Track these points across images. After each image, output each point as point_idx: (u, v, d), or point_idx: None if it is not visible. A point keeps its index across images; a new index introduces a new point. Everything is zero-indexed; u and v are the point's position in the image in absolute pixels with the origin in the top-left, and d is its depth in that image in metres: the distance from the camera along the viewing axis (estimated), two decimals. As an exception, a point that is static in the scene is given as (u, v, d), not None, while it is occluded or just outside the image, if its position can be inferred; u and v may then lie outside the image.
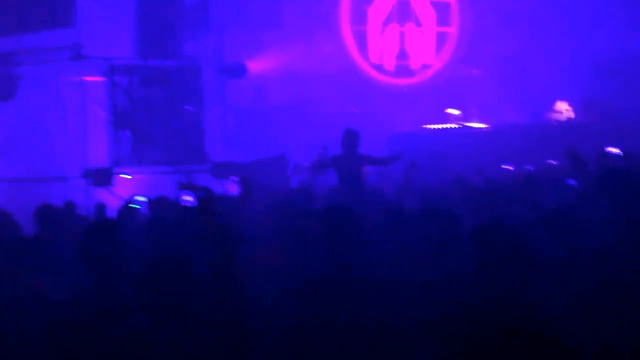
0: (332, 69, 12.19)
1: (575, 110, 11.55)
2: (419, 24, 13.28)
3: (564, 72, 12.64)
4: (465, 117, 11.61)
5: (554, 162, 8.98)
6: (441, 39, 13.41)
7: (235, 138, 11.68)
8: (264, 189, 7.30)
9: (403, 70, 13.22)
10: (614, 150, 8.01)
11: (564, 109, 11.41)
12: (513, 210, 4.64)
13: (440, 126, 11.36)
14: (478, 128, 11.35)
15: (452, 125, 11.33)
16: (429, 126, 11.46)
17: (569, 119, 11.42)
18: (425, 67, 13.33)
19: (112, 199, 8.95)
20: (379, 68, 13.12)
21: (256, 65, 11.60)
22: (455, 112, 11.54)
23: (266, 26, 12.03)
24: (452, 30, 13.41)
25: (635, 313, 2.86)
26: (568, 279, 3.21)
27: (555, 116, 11.49)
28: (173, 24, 11.00)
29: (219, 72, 11.49)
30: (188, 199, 3.50)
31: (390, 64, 13.16)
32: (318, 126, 11.38)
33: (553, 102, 11.85)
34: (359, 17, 12.94)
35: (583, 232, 3.67)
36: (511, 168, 9.26)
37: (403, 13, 13.16)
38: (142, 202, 6.54)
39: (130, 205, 6.37)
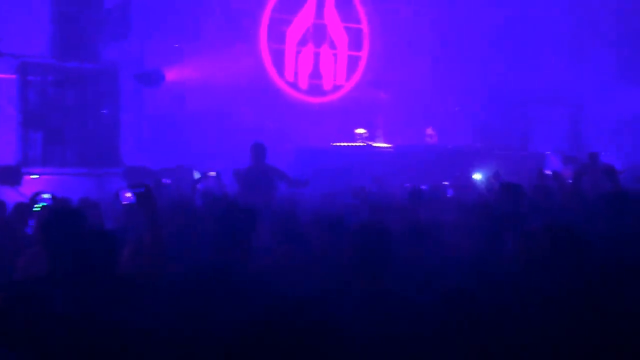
0: (248, 82, 12.61)
1: (438, 135, 12.68)
2: (333, 47, 14.00)
3: (461, 101, 13.81)
4: (371, 136, 12.30)
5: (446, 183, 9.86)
6: (352, 62, 14.18)
7: (150, 144, 11.88)
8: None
9: (316, 89, 13.89)
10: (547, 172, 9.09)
11: (432, 133, 12.58)
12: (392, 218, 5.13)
13: (347, 144, 11.95)
14: (382, 147, 12.05)
15: (358, 144, 11.95)
16: (336, 143, 12.04)
17: (434, 142, 12.56)
18: (336, 87, 14.05)
19: (18, 198, 8.92)
20: (293, 86, 13.70)
21: (175, 74, 11.85)
22: (362, 131, 12.19)
23: (186, 36, 12.33)
24: (363, 54, 14.22)
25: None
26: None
27: (427, 140, 12.58)
28: (91, 26, 11.13)
29: (136, 78, 11.65)
30: (128, 195, 3.77)
31: (304, 82, 13.77)
32: (233, 137, 11.78)
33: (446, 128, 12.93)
34: (277, 36, 13.47)
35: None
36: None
37: (319, 35, 13.85)
38: (47, 199, 6.48)
39: (35, 202, 6.28)
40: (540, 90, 13.94)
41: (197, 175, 7.37)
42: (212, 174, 7.59)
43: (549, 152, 13.49)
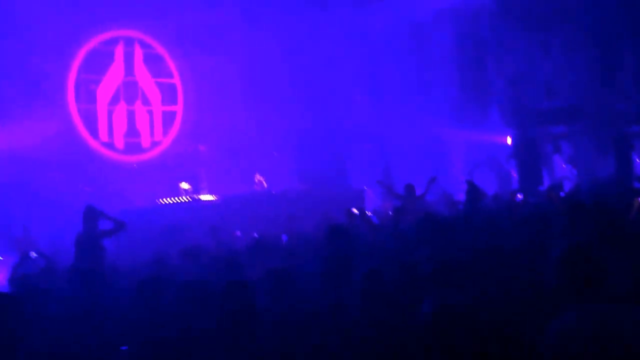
0: (59, 147, 11.96)
1: (269, 179, 13.13)
2: (146, 103, 13.77)
3: (279, 147, 14.26)
4: (196, 190, 12.21)
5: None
6: (168, 117, 14.04)
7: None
8: None
9: (133, 147, 13.53)
10: (355, 210, 9.44)
11: (260, 179, 12.95)
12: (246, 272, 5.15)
13: (172, 200, 11.73)
14: (208, 200, 11.99)
15: (184, 199, 11.79)
16: (162, 200, 11.77)
17: (265, 187, 12.93)
18: (155, 144, 13.79)
19: None
20: (109, 146, 13.23)
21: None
22: (186, 185, 12.06)
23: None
24: (178, 108, 14.15)
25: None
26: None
27: (257, 186, 12.88)
28: None
29: None
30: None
31: (120, 141, 13.36)
32: (48, 205, 11.07)
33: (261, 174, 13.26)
34: (87, 96, 12.98)
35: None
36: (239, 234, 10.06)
37: (131, 93, 13.56)
38: None
39: None
40: (350, 129, 14.81)
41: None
42: (33, 254, 7.03)
43: (366, 188, 14.31)
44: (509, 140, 16.13)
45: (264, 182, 13.00)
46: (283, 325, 3.59)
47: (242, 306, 3.39)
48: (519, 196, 12.93)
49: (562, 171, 15.20)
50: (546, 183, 14.38)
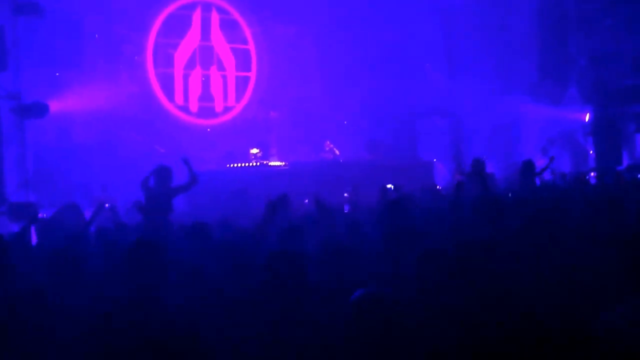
0: (137, 108, 12.39)
1: (338, 148, 13.10)
2: (221, 68, 14.01)
3: (349, 116, 14.27)
4: (265, 155, 12.40)
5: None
6: (242, 82, 14.26)
7: (36, 178, 11.40)
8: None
9: (207, 111, 13.83)
10: (389, 185, 9.41)
11: (331, 147, 12.96)
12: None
13: (242, 164, 11.98)
14: (277, 166, 12.18)
15: (253, 164, 12.01)
16: (231, 165, 12.03)
17: (336, 156, 12.90)
18: (227, 109, 14.06)
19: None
20: (183, 109, 13.58)
21: (58, 105, 11.45)
22: (256, 151, 12.27)
23: (68, 65, 11.96)
24: (252, 74, 14.34)
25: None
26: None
27: (326, 154, 12.91)
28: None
29: (16, 111, 11.13)
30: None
31: (194, 105, 13.69)
32: (125, 165, 11.52)
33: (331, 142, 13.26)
34: (164, 60, 13.33)
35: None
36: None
37: (206, 57, 13.82)
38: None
39: None
40: (423, 104, 14.63)
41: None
42: (107, 205, 7.37)
43: (435, 160, 14.17)
44: (587, 118, 15.57)
45: (335, 150, 13.06)
46: (332, 300, 3.44)
47: (291, 277, 3.29)
48: (592, 175, 12.51)
49: (643, 152, 14.58)
50: (625, 163, 13.85)
